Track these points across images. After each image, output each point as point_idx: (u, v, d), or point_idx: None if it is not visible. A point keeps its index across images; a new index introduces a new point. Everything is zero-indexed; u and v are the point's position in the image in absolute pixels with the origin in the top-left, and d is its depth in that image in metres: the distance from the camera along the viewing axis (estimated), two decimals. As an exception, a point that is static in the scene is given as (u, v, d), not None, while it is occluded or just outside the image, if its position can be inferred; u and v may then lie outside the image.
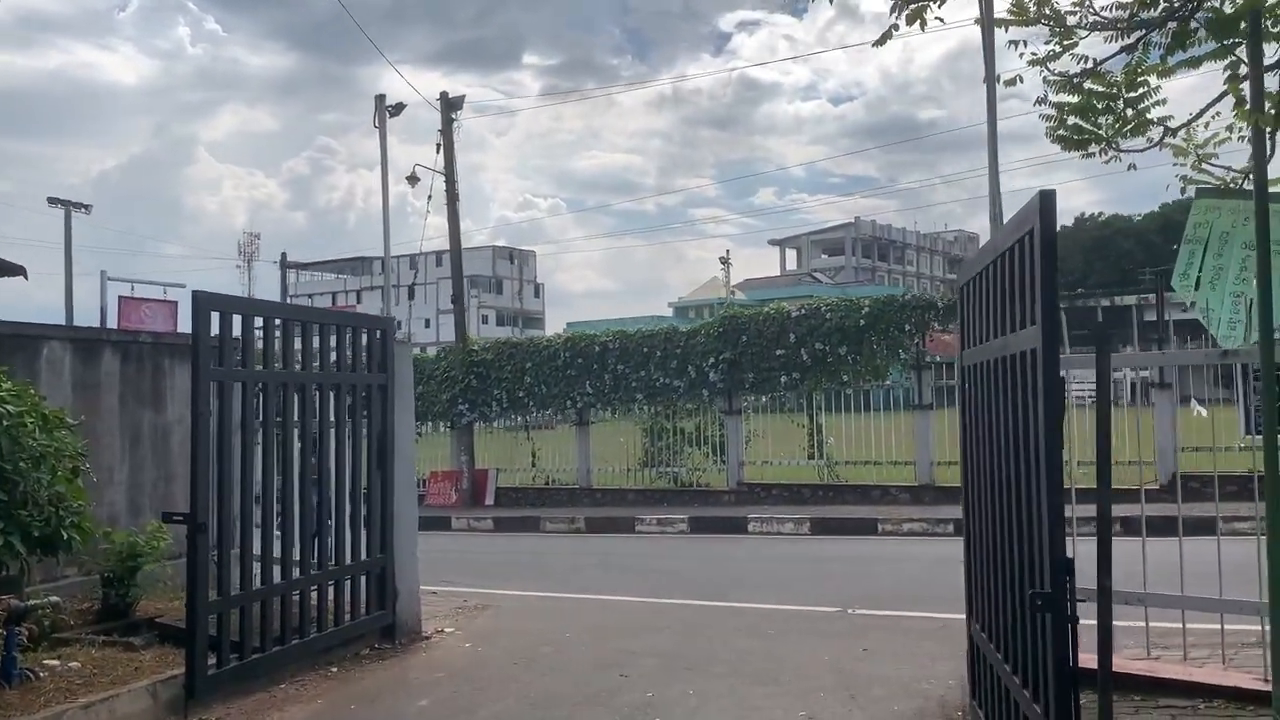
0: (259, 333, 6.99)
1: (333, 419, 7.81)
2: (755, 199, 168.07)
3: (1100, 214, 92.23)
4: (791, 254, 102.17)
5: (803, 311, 17.56)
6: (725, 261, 56.90)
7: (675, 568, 12.40)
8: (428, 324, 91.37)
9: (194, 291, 6.38)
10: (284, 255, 37.46)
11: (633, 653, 7.61)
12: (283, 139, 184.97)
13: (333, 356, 7.86)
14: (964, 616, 8.39)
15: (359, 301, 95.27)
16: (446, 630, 8.65)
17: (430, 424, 22.28)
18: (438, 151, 20.91)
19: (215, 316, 6.49)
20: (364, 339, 7.99)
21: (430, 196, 21.52)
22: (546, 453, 20.82)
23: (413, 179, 20.98)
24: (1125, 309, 17.06)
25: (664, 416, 19.38)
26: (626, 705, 6.26)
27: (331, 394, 7.79)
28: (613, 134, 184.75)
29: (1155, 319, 16.70)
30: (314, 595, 7.44)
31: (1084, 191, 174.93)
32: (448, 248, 22.09)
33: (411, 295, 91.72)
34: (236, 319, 6.68)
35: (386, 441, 8.15)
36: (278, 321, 7.10)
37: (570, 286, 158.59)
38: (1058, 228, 3.76)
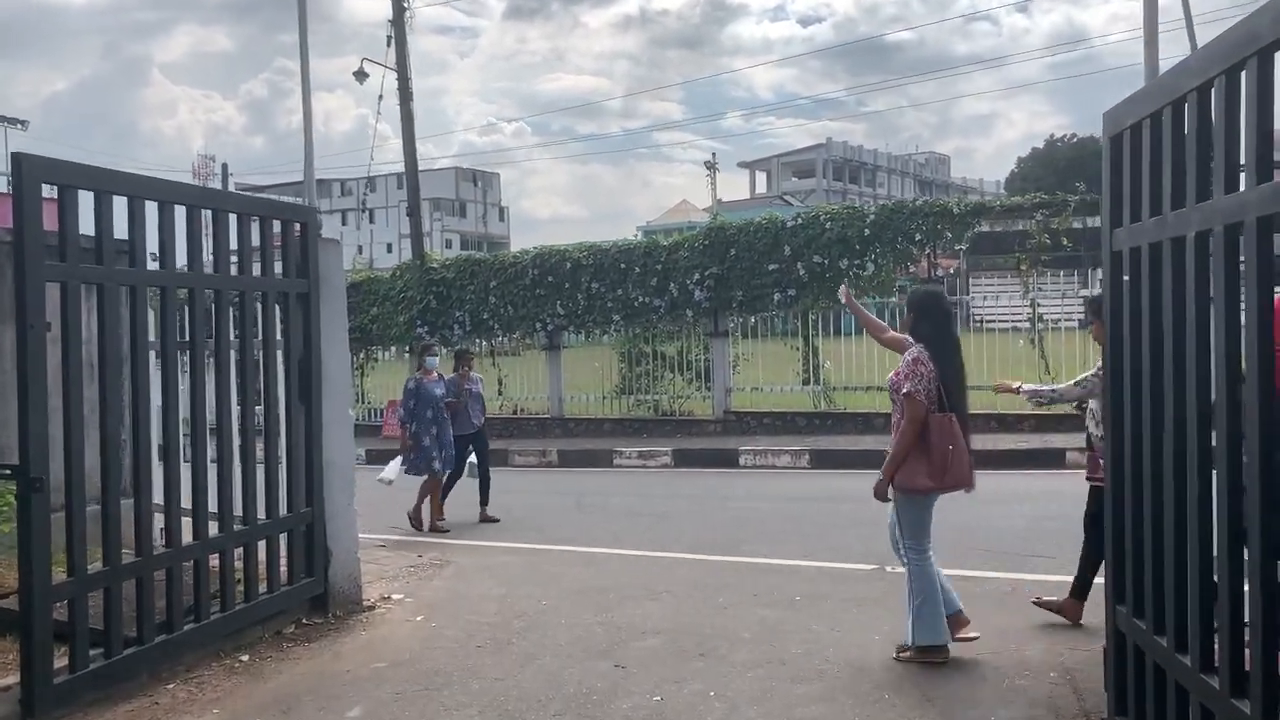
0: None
1: (237, 336, 6.05)
2: (723, 122, 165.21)
3: (1073, 136, 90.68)
4: (761, 177, 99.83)
5: (799, 221, 15.78)
6: (711, 166, 53.74)
7: (665, 510, 10.80)
8: (390, 249, 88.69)
9: (14, 155, 4.52)
10: (225, 167, 34.63)
11: (628, 629, 6.02)
12: (240, 60, 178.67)
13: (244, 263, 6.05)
14: (1032, 577, 6.91)
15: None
16: (394, 598, 7.01)
17: (389, 349, 20.49)
18: (389, 45, 18.73)
19: (52, 193, 4.68)
20: (276, 233, 6.18)
21: (381, 97, 19.40)
22: (514, 379, 19.09)
23: (360, 74, 18.80)
24: (1096, 231, 15.58)
25: (643, 339, 17.67)
26: (628, 717, 4.65)
27: (234, 304, 6.01)
28: (578, 56, 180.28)
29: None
30: (217, 563, 5.74)
31: (1050, 115, 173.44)
32: (405, 164, 20.00)
33: (371, 218, 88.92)
34: (84, 196, 4.84)
35: (311, 366, 6.38)
36: (152, 205, 5.26)
37: (535, 212, 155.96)
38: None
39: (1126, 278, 3.83)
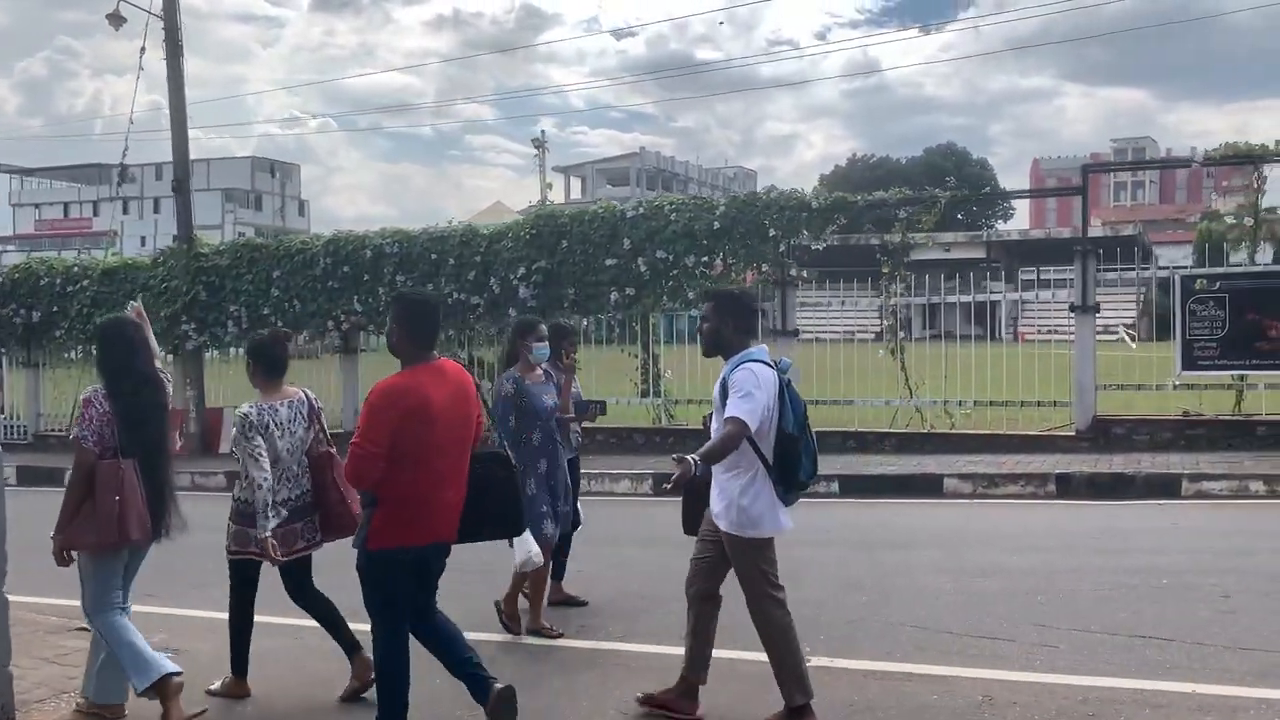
0: None
1: None
2: (536, 129, 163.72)
3: (871, 155, 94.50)
4: (576, 183, 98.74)
5: (641, 211, 13.86)
6: (540, 145, 51.50)
7: (490, 561, 7.89)
8: (175, 240, 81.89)
9: None
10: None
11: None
12: (16, 37, 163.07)
13: None
14: (1008, 677, 4.95)
15: (95, 213, 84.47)
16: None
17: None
18: (153, -15, 15.62)
19: None
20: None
21: (144, 50, 16.20)
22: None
23: (116, 18, 15.56)
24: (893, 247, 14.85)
25: (457, 343, 15.28)
26: None
27: None
28: (388, 52, 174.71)
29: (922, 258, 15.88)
30: None
31: (845, 139, 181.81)
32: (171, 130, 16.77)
33: (157, 208, 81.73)
34: None
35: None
36: None
37: (340, 210, 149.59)
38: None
39: None
